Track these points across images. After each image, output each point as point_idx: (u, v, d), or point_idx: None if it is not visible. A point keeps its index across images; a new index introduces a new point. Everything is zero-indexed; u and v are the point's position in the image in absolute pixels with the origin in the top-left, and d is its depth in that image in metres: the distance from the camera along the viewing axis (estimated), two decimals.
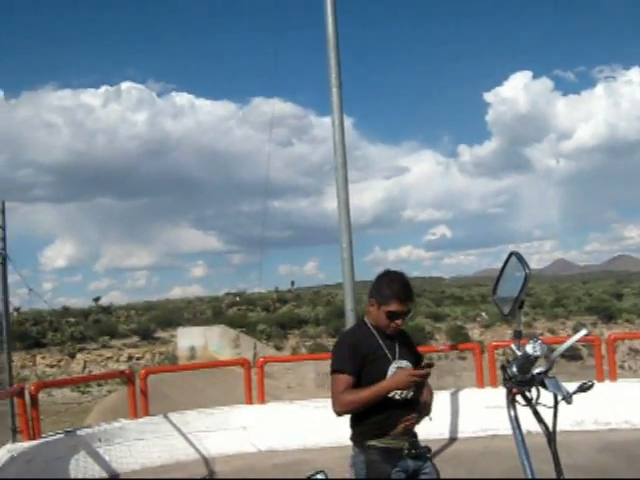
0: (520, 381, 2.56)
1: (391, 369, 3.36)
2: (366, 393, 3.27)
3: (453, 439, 8.60)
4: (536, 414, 2.55)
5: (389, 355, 3.41)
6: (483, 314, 48.17)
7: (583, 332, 2.58)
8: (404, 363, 3.41)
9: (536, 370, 2.55)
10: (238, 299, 50.16)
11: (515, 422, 2.53)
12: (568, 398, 2.45)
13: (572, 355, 41.98)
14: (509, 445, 2.62)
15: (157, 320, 43.45)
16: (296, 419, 8.85)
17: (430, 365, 3.35)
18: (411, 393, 3.39)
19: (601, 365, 9.18)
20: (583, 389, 2.52)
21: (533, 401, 2.56)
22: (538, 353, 2.49)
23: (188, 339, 30.70)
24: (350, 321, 6.00)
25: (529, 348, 2.49)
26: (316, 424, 8.35)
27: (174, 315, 45.33)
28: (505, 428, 2.64)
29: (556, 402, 2.51)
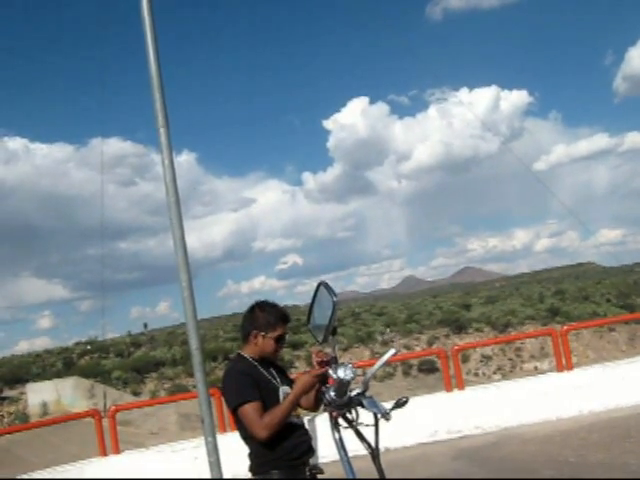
0: (339, 404, 2.68)
1: (281, 393, 3.40)
2: (283, 406, 3.26)
3: None
4: (358, 434, 2.67)
5: (274, 382, 3.46)
6: (388, 330, 48.93)
7: (391, 352, 2.73)
8: (286, 388, 3.46)
9: (353, 392, 2.68)
10: (89, 347, 48.29)
11: (340, 443, 2.64)
12: (386, 415, 2.60)
13: (429, 368, 43.64)
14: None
15: (3, 378, 40.99)
16: (153, 466, 8.60)
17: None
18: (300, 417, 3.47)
19: (448, 376, 9.54)
20: (399, 405, 2.67)
21: (354, 422, 2.69)
22: (349, 377, 2.63)
23: (39, 395, 29.35)
24: (197, 360, 5.91)
25: (340, 373, 2.63)
26: (175, 469, 8.18)
27: (21, 371, 43.04)
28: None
29: (376, 420, 2.65)
